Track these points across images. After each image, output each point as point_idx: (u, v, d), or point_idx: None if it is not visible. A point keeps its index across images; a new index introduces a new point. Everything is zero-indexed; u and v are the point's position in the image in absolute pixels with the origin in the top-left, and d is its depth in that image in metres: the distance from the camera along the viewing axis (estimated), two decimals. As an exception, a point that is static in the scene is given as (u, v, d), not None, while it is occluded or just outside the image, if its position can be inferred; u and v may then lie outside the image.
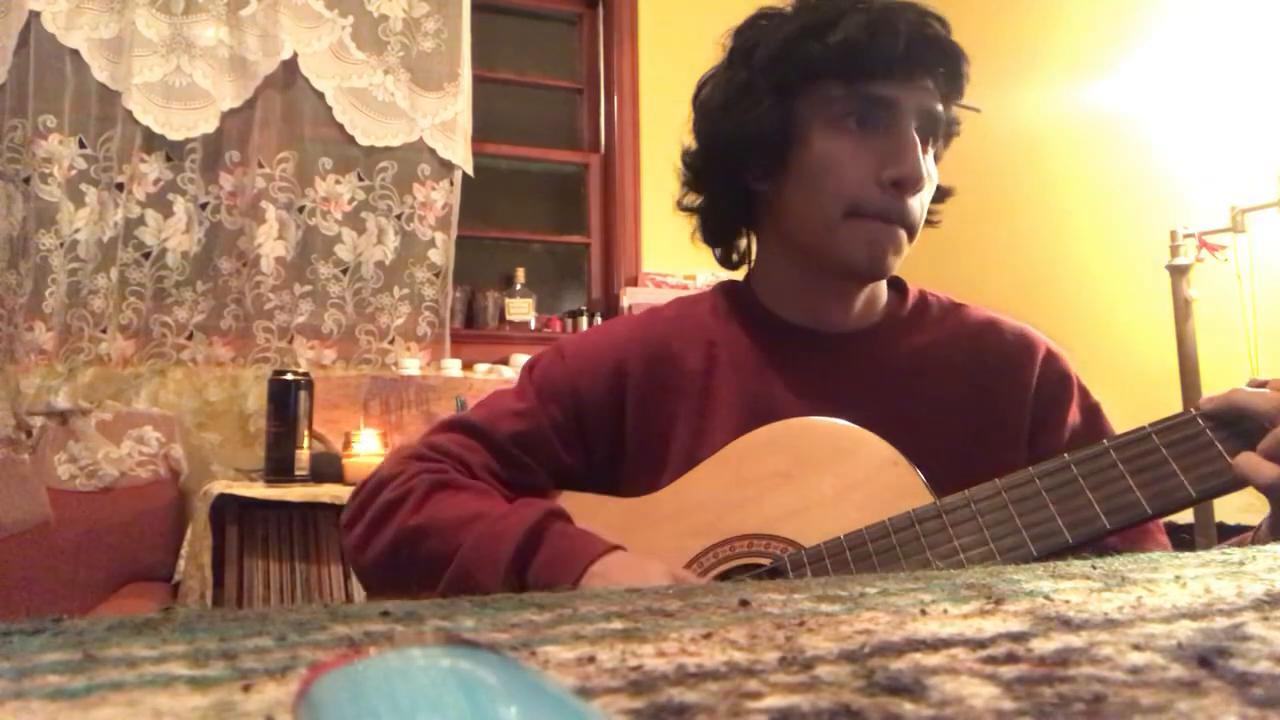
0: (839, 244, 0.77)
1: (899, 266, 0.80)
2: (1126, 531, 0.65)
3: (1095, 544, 0.61)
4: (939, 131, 0.79)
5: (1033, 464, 0.65)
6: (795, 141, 0.78)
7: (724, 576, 0.71)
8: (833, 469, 0.72)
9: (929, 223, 0.85)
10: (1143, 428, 0.62)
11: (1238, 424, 0.60)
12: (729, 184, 0.85)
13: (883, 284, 0.86)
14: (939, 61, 0.77)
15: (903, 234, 0.77)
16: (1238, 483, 0.59)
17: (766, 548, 0.71)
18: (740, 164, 0.82)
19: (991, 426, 0.79)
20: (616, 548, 0.70)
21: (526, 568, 0.69)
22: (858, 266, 0.78)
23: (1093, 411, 0.82)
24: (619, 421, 0.83)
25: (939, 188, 0.84)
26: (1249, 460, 0.58)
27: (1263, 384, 0.62)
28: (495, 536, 0.71)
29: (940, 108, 0.78)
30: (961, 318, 0.86)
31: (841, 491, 0.70)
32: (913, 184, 0.75)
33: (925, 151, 0.78)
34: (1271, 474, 0.57)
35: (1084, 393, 0.83)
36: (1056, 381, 0.82)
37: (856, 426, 0.72)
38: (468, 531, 0.72)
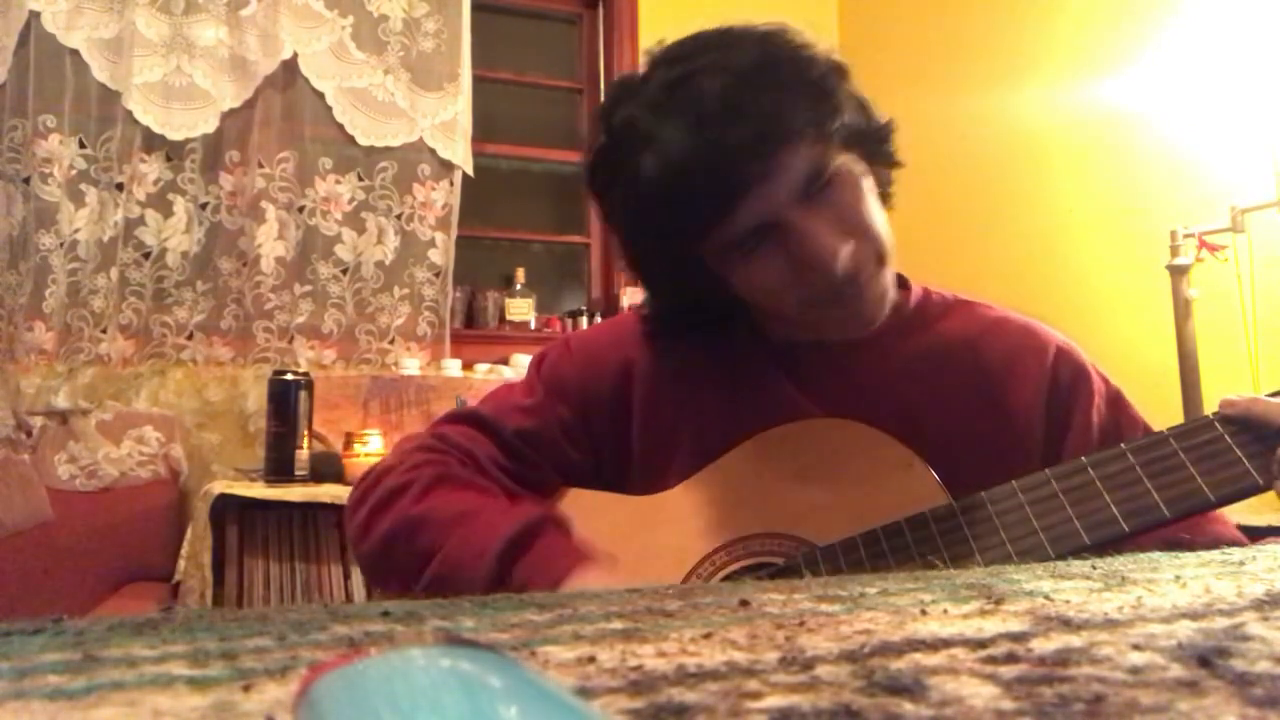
0: (812, 324, 0.77)
1: (892, 279, 0.78)
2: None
3: (1117, 546, 0.60)
4: (823, 162, 0.70)
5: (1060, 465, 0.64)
6: (720, 272, 0.74)
7: (736, 575, 0.71)
8: (846, 470, 0.72)
9: (891, 164, 0.79)
10: (1160, 432, 0.63)
11: (1257, 431, 0.60)
12: (710, 308, 0.82)
13: None
14: (769, 149, 0.67)
15: (873, 282, 0.73)
16: (1257, 488, 0.58)
17: (779, 547, 0.70)
18: (704, 299, 0.80)
19: (1000, 425, 0.77)
20: (597, 559, 0.69)
21: (511, 568, 0.68)
22: (845, 336, 0.78)
23: (1116, 401, 0.79)
24: (626, 420, 0.82)
25: (873, 128, 0.76)
26: None
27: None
28: (487, 530, 0.70)
29: (808, 150, 0.69)
30: (966, 315, 0.84)
31: (855, 492, 0.70)
32: (831, 271, 0.69)
33: (824, 197, 0.70)
34: None
35: (1104, 381, 0.79)
36: (1071, 379, 0.78)
37: (870, 428, 0.72)
38: (458, 528, 0.72)
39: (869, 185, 0.74)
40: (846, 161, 0.72)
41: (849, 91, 0.74)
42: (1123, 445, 0.63)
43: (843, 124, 0.72)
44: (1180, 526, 0.64)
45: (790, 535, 0.71)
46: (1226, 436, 0.60)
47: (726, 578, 0.71)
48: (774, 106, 0.67)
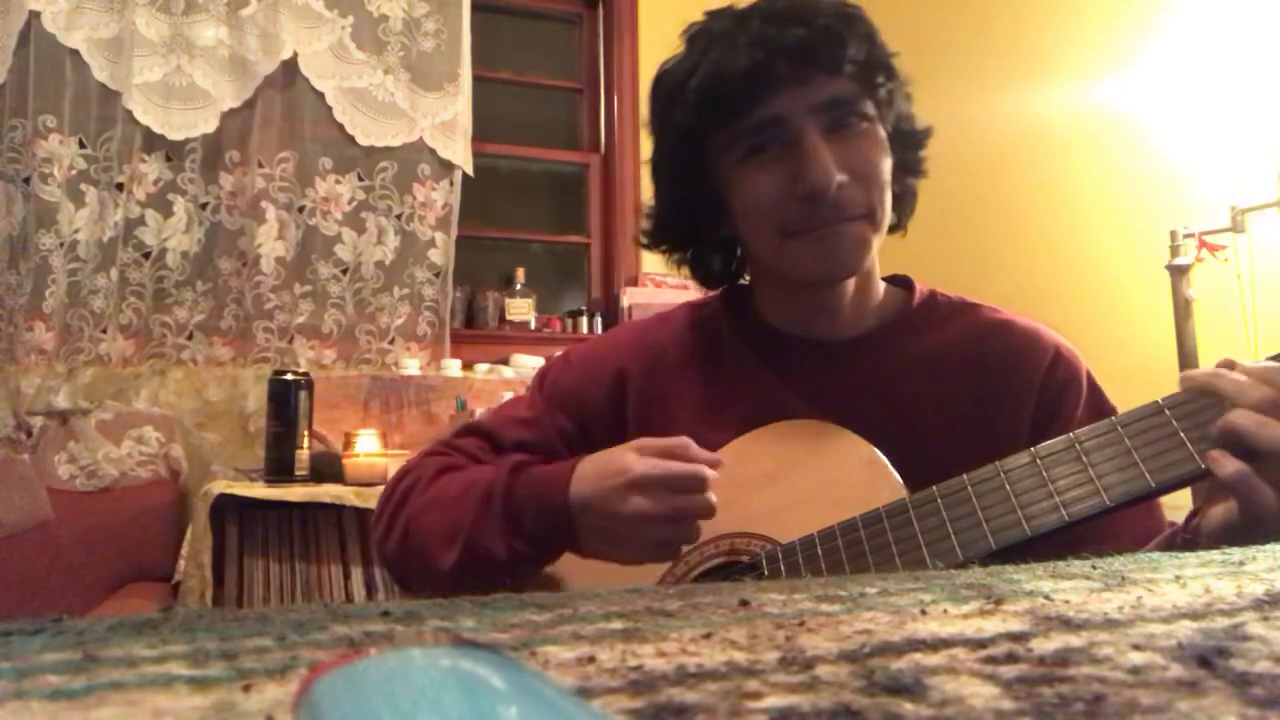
0: (789, 264, 0.78)
1: (873, 256, 0.79)
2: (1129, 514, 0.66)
3: (1058, 537, 0.60)
4: (856, 104, 0.75)
5: None
6: (723, 191, 0.80)
7: (706, 574, 0.74)
8: (814, 469, 0.74)
9: (917, 173, 0.84)
10: (1109, 420, 0.62)
11: (1202, 411, 0.59)
12: (699, 240, 0.88)
13: (877, 286, 0.85)
14: (808, 55, 0.73)
15: (854, 227, 0.75)
16: (1199, 473, 0.58)
17: (747, 545, 0.73)
18: (698, 225, 0.86)
19: (995, 428, 0.77)
20: (577, 465, 0.74)
21: (521, 529, 0.74)
22: (815, 278, 0.78)
23: (1102, 413, 0.78)
24: (621, 427, 0.85)
25: (912, 133, 0.82)
26: (1215, 454, 0.57)
27: (1231, 365, 0.61)
28: (485, 504, 0.76)
29: (844, 85, 0.74)
30: (972, 318, 0.84)
31: (821, 490, 0.72)
32: (822, 193, 0.72)
33: (844, 135, 0.75)
34: (1231, 467, 0.56)
35: (1095, 394, 0.80)
36: (1063, 383, 0.79)
37: (839, 428, 0.74)
38: (460, 506, 0.78)
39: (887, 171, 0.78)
40: (879, 131, 0.77)
41: (902, 89, 0.80)
42: (1070, 434, 0.63)
43: (890, 101, 0.78)
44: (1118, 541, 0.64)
45: (757, 534, 0.73)
46: (1173, 421, 0.60)
47: (702, 574, 0.74)
48: (831, 32, 0.73)
